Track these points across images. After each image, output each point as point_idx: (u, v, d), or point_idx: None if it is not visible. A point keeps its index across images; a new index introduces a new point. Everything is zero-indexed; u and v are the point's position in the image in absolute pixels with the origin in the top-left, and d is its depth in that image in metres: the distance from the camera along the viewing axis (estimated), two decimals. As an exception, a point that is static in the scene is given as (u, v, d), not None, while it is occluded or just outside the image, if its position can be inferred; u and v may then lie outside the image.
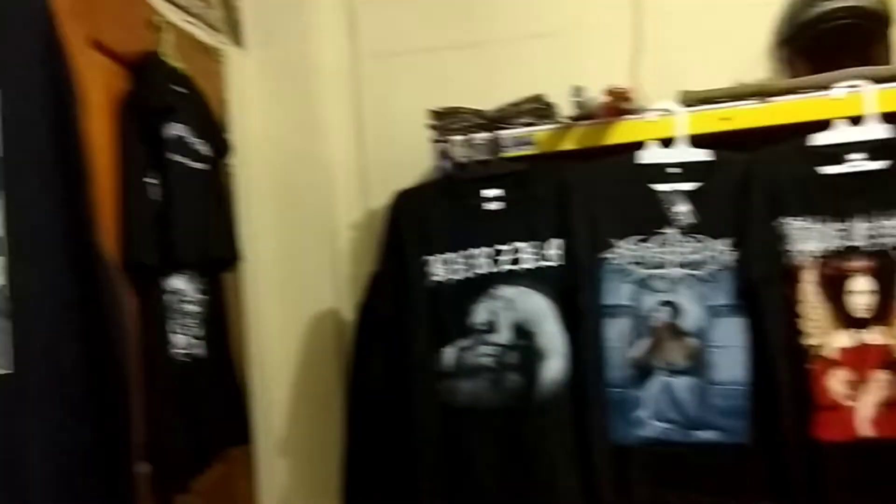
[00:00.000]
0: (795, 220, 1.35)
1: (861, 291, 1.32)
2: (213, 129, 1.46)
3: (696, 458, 1.36)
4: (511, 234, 1.43)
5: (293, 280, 1.73)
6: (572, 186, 1.42)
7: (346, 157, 1.93)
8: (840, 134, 1.35)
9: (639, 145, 1.43)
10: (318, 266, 1.86)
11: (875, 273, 1.32)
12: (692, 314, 1.38)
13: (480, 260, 1.43)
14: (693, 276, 1.39)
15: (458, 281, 1.43)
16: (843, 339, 1.33)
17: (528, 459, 1.38)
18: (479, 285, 1.42)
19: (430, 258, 1.45)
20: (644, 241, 1.40)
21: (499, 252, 1.42)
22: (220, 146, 1.48)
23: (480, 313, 1.42)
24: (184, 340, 1.32)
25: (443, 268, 1.44)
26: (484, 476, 1.40)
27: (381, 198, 1.53)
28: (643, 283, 1.40)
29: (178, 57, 1.35)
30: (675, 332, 1.39)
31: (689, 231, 1.39)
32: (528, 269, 1.41)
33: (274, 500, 1.54)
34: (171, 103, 1.29)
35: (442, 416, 1.42)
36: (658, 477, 1.37)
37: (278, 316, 1.64)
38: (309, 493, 1.66)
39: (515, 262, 1.42)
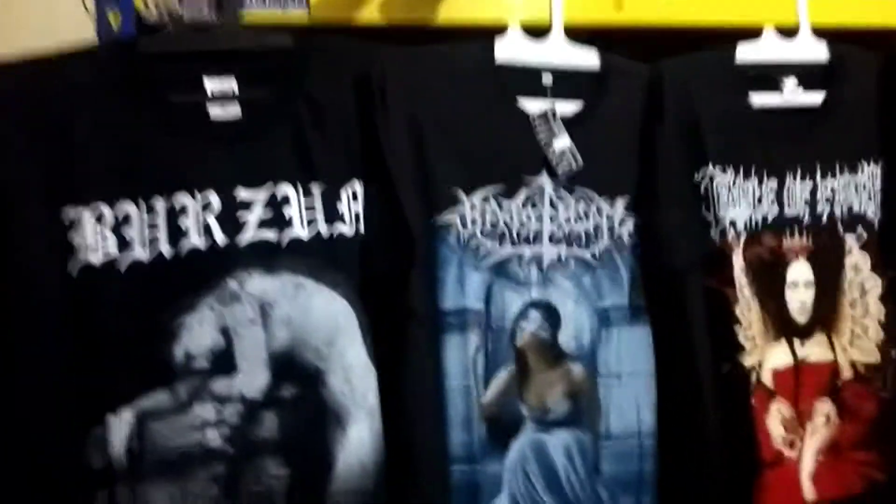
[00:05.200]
0: (722, 172, 0.87)
1: (801, 283, 0.89)
2: None
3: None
4: (262, 168, 0.70)
5: None
6: (386, 90, 0.75)
7: None
8: (772, 49, 0.90)
9: (488, 33, 0.82)
10: None
11: (814, 256, 0.90)
12: (575, 322, 0.81)
13: (196, 218, 0.68)
14: (576, 258, 0.82)
15: (146, 263, 0.66)
16: (779, 356, 0.88)
17: None
18: (195, 272, 0.66)
19: (76, 212, 0.65)
20: (507, 195, 0.79)
21: (237, 203, 0.69)
22: None
23: (197, 334, 0.66)
24: None
25: (106, 234, 0.65)
26: None
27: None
28: (501, 271, 0.79)
29: None
30: (552, 352, 0.81)
31: (569, 182, 0.82)
32: (301, 240, 0.70)
33: None
34: None
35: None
36: None
37: None
38: None
39: (275, 223, 0.69)
